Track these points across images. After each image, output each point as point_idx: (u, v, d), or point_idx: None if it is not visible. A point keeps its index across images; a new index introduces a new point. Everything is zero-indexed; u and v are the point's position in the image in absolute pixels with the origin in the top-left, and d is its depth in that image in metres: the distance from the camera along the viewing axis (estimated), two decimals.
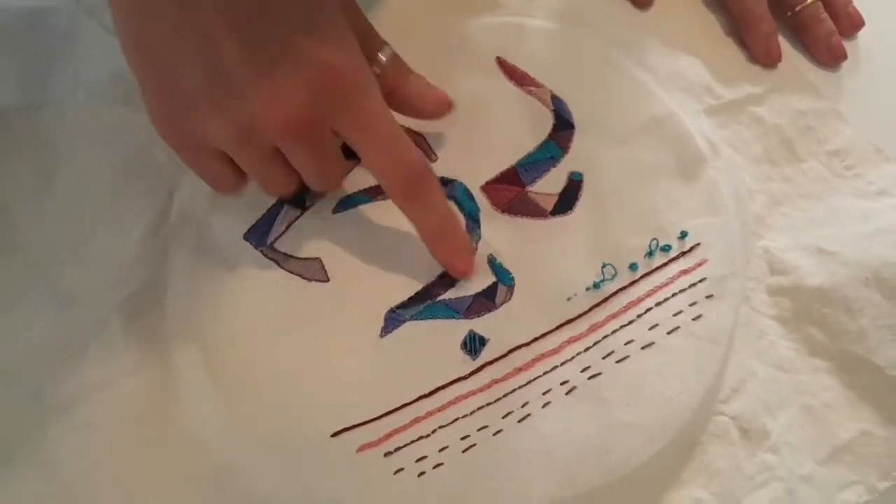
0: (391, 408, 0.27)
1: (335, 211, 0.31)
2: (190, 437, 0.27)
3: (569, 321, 0.29)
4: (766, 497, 0.27)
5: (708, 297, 0.29)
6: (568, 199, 0.32)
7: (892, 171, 0.34)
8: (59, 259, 0.30)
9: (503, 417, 0.27)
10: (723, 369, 0.29)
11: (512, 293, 0.30)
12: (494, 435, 0.27)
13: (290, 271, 0.30)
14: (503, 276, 0.30)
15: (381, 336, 0.29)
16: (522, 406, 0.27)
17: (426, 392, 0.27)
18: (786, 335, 0.30)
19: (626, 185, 0.32)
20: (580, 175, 0.32)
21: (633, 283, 0.30)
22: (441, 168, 0.32)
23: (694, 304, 0.29)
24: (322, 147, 0.27)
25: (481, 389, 0.28)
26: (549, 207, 0.31)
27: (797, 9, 0.37)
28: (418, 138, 0.32)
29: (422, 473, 0.26)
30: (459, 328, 0.29)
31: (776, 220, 0.33)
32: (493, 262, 0.30)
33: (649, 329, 0.29)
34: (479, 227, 0.31)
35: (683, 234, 0.31)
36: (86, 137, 0.32)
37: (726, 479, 0.27)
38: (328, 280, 0.30)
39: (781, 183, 0.34)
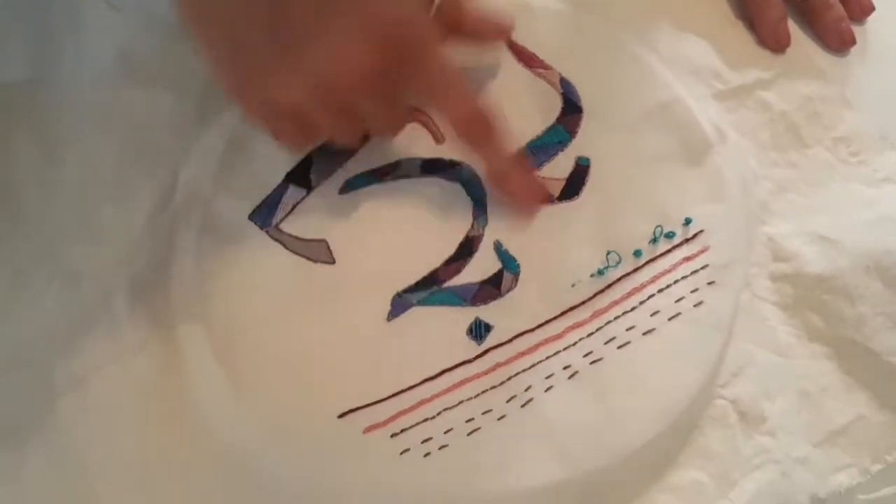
0: (397, 390, 0.27)
1: (342, 192, 0.31)
2: (196, 416, 0.27)
3: (572, 308, 0.29)
4: (761, 479, 0.28)
5: (710, 283, 0.30)
6: (575, 184, 0.32)
7: None
8: (65, 238, 0.30)
9: (507, 402, 0.27)
10: (723, 355, 0.29)
11: (517, 281, 0.30)
12: (499, 420, 0.27)
13: (295, 252, 0.30)
14: (509, 263, 0.30)
15: (389, 320, 0.29)
16: (525, 390, 0.28)
17: (432, 375, 0.28)
18: (786, 321, 0.31)
19: (632, 171, 0.32)
20: (587, 160, 0.32)
21: (636, 269, 0.30)
22: (448, 150, 0.32)
23: (695, 290, 0.29)
24: (392, 99, 0.28)
25: (486, 372, 0.28)
26: (556, 192, 0.31)
27: None
28: (427, 118, 0.32)
29: (427, 454, 0.27)
30: (465, 315, 0.29)
31: (780, 207, 0.33)
32: (499, 249, 0.30)
33: (651, 315, 0.29)
34: (485, 211, 0.31)
35: (687, 221, 0.31)
36: (91, 116, 0.32)
37: (723, 462, 0.28)
38: (334, 262, 0.30)
39: (787, 169, 0.34)
